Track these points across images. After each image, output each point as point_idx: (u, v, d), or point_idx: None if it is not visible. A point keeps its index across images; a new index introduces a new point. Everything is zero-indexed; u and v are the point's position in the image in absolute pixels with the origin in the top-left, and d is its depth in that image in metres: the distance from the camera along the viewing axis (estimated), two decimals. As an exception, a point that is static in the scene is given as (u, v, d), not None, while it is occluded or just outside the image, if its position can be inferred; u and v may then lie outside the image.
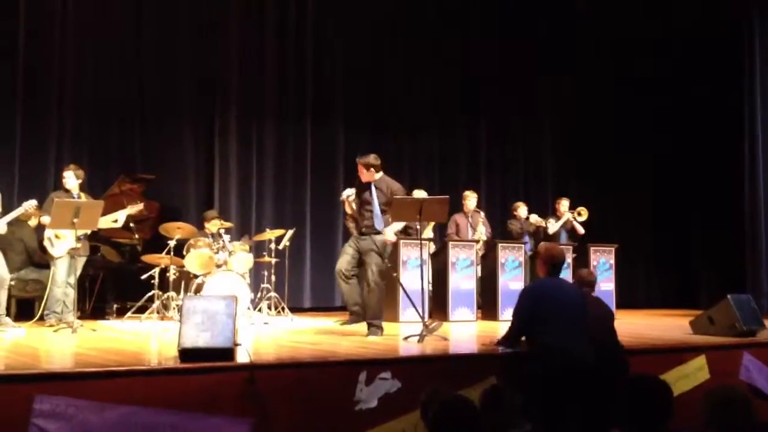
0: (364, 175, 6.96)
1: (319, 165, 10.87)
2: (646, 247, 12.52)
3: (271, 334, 7.17)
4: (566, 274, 9.34)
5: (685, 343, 6.55)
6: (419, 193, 8.55)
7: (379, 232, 6.80)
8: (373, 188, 6.90)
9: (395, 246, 8.59)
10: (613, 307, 8.69)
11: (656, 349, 6.28)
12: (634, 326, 8.05)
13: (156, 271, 8.41)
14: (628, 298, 10.57)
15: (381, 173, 6.99)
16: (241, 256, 8.56)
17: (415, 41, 11.46)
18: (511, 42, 12.00)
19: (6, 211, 7.20)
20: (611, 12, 12.20)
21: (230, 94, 10.35)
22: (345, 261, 6.96)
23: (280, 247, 9.13)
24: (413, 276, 8.21)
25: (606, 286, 9.66)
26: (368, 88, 11.15)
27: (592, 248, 9.81)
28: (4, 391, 4.09)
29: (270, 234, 9.08)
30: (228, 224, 9.14)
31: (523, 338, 5.29)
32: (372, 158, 6.99)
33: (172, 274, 8.34)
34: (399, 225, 7.00)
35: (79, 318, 7.36)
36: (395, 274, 8.26)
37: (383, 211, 6.82)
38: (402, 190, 7.01)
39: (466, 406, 3.22)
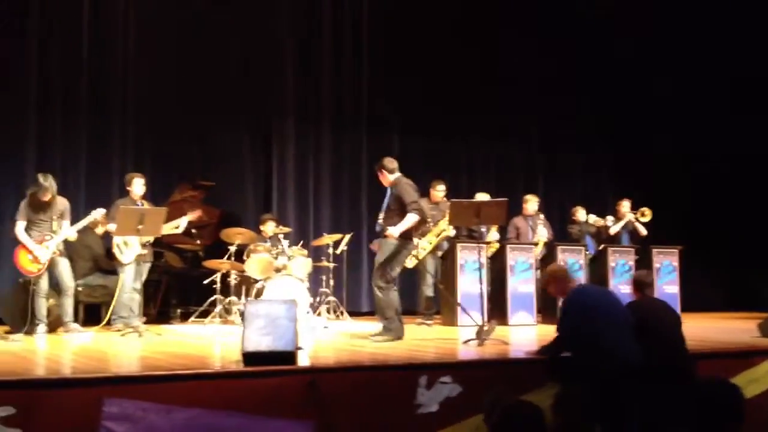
0: (382, 179, 6.93)
1: (374, 170, 10.86)
2: (711, 248, 12.19)
3: (331, 338, 7.23)
4: (628, 278, 9.24)
5: (754, 346, 6.36)
6: (481, 197, 8.49)
7: (382, 233, 6.73)
8: (388, 191, 6.89)
9: (452, 249, 8.60)
10: (678, 310, 8.50)
11: (724, 352, 6.12)
12: (701, 329, 7.85)
13: (217, 276, 8.55)
14: (693, 301, 10.31)
15: (397, 175, 6.90)
16: (300, 261, 8.65)
17: (469, 44, 11.40)
18: (566, 42, 11.86)
19: (74, 219, 7.42)
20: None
21: (287, 101, 10.51)
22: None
23: (338, 251, 9.20)
24: (471, 279, 8.19)
25: (670, 288, 9.46)
26: (423, 93, 11.13)
27: (654, 250, 9.61)
28: (76, 394, 4.21)
29: (327, 239, 9.15)
30: (286, 229, 9.25)
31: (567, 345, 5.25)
32: (384, 161, 6.95)
33: (233, 279, 8.48)
34: (407, 224, 6.68)
35: (145, 322, 7.55)
36: (442, 287, 8.25)
37: (390, 216, 6.72)
38: (410, 194, 6.77)
39: (531, 411, 3.19)
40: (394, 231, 6.59)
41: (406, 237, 6.72)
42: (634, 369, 4.87)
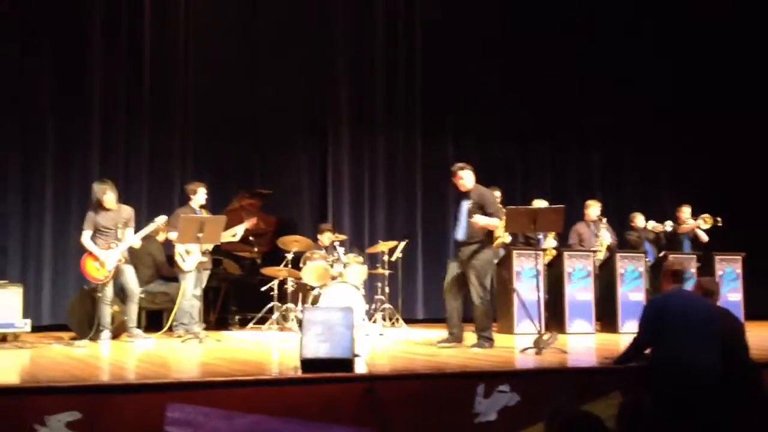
0: (461, 184, 6.90)
1: (429, 177, 10.93)
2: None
3: (387, 345, 7.24)
4: (689, 285, 9.01)
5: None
6: (539, 203, 8.42)
7: (469, 243, 6.67)
8: (464, 204, 6.85)
9: (508, 256, 8.54)
10: (741, 318, 8.27)
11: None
12: (765, 339, 7.63)
13: (275, 283, 8.66)
14: (757, 309, 10.03)
15: (472, 181, 6.89)
16: (356, 268, 8.69)
17: (524, 50, 11.32)
18: (626, 44, 11.70)
19: (136, 228, 7.60)
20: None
21: (341, 109, 10.59)
22: (449, 278, 6.91)
23: (393, 258, 9.22)
24: (528, 287, 8.12)
25: (733, 296, 9.24)
26: (478, 99, 11.10)
27: (717, 257, 9.40)
28: (139, 400, 4.30)
29: (383, 246, 9.18)
30: (342, 236, 9.31)
31: (647, 351, 5.14)
32: (466, 165, 6.93)
33: (289, 286, 8.58)
34: (491, 222, 6.69)
35: (205, 329, 7.67)
36: (511, 287, 8.19)
37: (472, 224, 6.68)
38: (494, 200, 6.84)
39: (593, 423, 3.15)
40: (480, 219, 6.58)
41: (491, 242, 6.75)
42: (707, 382, 4.75)
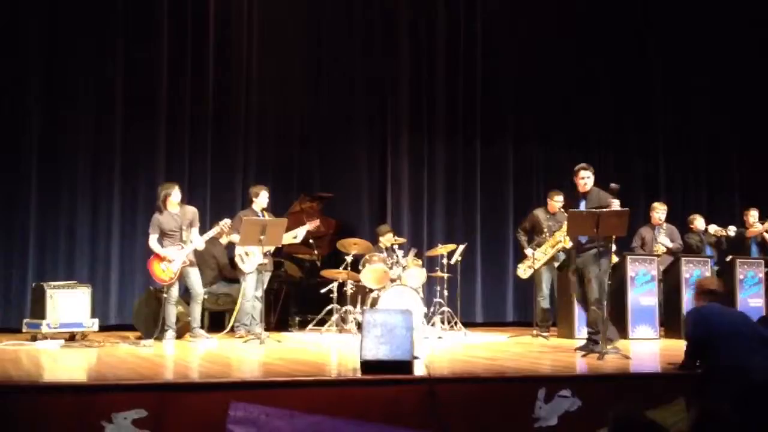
0: (583, 185, 6.85)
1: (488, 180, 10.88)
2: None
3: (446, 348, 7.22)
4: (757, 290, 8.79)
5: None
6: (617, 204, 8.36)
7: (594, 247, 6.55)
8: (583, 202, 6.80)
9: (623, 261, 8.50)
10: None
11: None
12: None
13: (334, 286, 8.72)
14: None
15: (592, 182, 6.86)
16: (415, 271, 8.70)
17: (584, 53, 11.18)
18: (689, 43, 11.45)
19: (201, 231, 7.76)
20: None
21: (401, 113, 10.60)
22: (576, 286, 6.91)
23: (452, 262, 9.19)
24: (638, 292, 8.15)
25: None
26: (538, 102, 11.00)
27: (786, 262, 9.12)
28: (203, 398, 4.39)
29: (442, 249, 9.16)
30: (401, 239, 9.33)
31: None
32: (580, 166, 6.91)
33: (349, 289, 8.63)
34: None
35: (266, 330, 7.77)
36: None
37: None
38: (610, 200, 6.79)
39: (657, 431, 3.08)
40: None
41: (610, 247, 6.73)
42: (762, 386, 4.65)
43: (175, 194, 7.58)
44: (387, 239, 9.08)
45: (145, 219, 8.35)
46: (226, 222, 7.73)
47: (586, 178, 6.81)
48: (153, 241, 7.54)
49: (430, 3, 10.83)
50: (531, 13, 11.00)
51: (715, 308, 5.11)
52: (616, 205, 6.83)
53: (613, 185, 6.88)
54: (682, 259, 8.73)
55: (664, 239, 9.07)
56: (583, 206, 6.74)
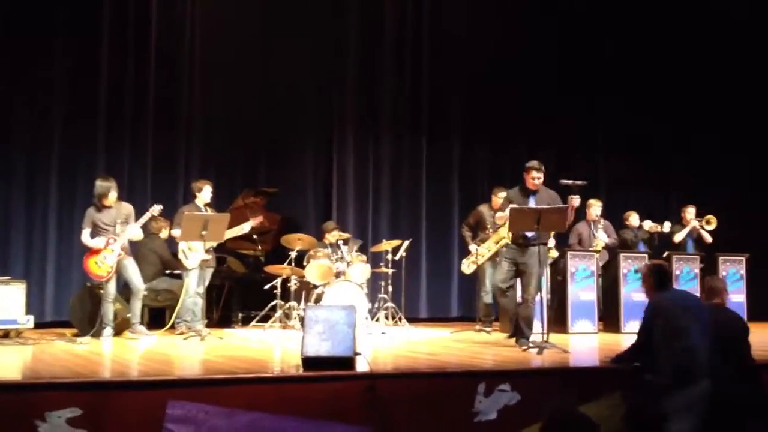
0: (530, 183, 6.91)
1: (433, 177, 10.94)
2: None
3: (389, 344, 7.24)
4: (693, 285, 9.03)
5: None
6: (595, 202, 8.65)
7: (537, 244, 6.64)
8: (533, 198, 6.88)
9: (563, 256, 8.64)
10: (744, 318, 8.25)
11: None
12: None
13: (278, 281, 8.66)
14: (761, 310, 10.01)
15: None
16: (359, 267, 8.69)
17: (532, 53, 11.29)
18: (628, 43, 11.69)
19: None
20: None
21: (347, 109, 10.58)
22: (501, 275, 6.92)
23: (397, 257, 9.22)
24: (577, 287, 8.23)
25: (736, 297, 9.20)
26: (483, 99, 11.08)
27: (720, 258, 9.38)
28: (140, 396, 4.32)
29: (386, 245, 9.18)
30: (346, 235, 9.31)
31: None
32: (534, 163, 6.96)
33: (293, 284, 8.58)
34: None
35: (207, 326, 7.69)
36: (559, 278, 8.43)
37: None
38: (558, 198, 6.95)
39: (589, 427, 3.14)
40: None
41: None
42: (711, 378, 4.78)
43: (112, 192, 7.41)
44: (332, 236, 9.06)
45: (83, 214, 8.15)
46: (156, 208, 7.59)
47: (537, 178, 6.88)
48: (85, 235, 7.39)
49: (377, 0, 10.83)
50: (479, 11, 11.07)
51: (670, 300, 5.15)
52: (576, 201, 6.92)
53: (571, 182, 6.99)
54: (621, 254, 8.91)
55: (602, 235, 9.24)
56: (533, 202, 6.81)
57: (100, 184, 7.46)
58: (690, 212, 9.80)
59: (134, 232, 7.47)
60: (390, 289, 9.11)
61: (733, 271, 9.38)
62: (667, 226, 9.69)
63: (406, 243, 9.35)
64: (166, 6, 9.73)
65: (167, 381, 4.50)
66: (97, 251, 7.31)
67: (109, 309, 7.39)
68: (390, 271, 9.13)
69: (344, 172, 10.48)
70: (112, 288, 7.41)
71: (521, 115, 11.18)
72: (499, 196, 8.80)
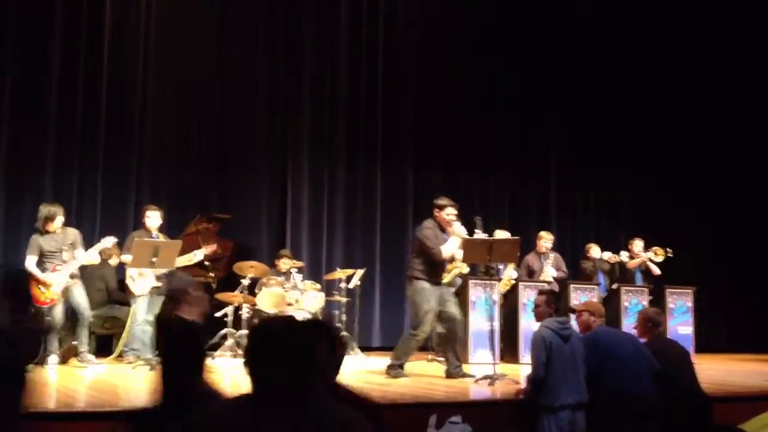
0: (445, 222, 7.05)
1: (389, 206, 10.97)
2: (727, 288, 12.09)
3: (342, 373, 7.16)
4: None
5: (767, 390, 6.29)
6: (501, 234, 8.51)
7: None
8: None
9: (464, 286, 8.59)
10: (692, 351, 8.41)
11: (736, 396, 6.06)
12: (714, 372, 7.77)
13: (229, 309, 8.56)
14: (708, 343, 10.23)
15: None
16: (312, 295, 8.65)
17: (486, 81, 11.49)
18: (579, 77, 11.94)
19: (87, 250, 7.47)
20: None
21: (302, 134, 10.58)
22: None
23: (351, 286, 9.20)
24: (483, 316, 8.15)
25: (684, 329, 9.38)
26: (438, 129, 11.19)
27: (668, 290, 9.55)
28: (88, 428, 4.22)
29: (340, 273, 9.16)
30: (299, 263, 9.27)
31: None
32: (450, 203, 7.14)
33: (245, 312, 8.49)
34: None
35: (157, 355, 7.53)
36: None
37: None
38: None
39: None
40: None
41: None
42: (652, 411, 4.84)
43: (58, 217, 7.27)
44: (284, 263, 9.01)
45: (29, 236, 7.96)
46: (110, 240, 7.49)
47: (452, 215, 7.00)
48: (30, 263, 7.21)
49: (333, 24, 10.88)
50: (434, 35, 11.24)
51: (604, 332, 5.24)
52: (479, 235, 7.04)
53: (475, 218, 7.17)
54: (571, 285, 9.02)
55: (549, 270, 9.32)
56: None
57: (45, 208, 7.30)
58: (638, 244, 9.95)
59: (90, 256, 7.33)
60: (344, 317, 9.07)
61: (680, 303, 9.55)
62: (624, 256, 9.82)
63: (360, 271, 9.34)
64: (119, 26, 9.62)
65: (114, 412, 4.42)
66: (42, 281, 7.14)
67: (54, 336, 7.21)
68: (344, 299, 9.10)
69: (298, 198, 10.45)
70: (58, 314, 7.24)
71: (477, 139, 11.30)
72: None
